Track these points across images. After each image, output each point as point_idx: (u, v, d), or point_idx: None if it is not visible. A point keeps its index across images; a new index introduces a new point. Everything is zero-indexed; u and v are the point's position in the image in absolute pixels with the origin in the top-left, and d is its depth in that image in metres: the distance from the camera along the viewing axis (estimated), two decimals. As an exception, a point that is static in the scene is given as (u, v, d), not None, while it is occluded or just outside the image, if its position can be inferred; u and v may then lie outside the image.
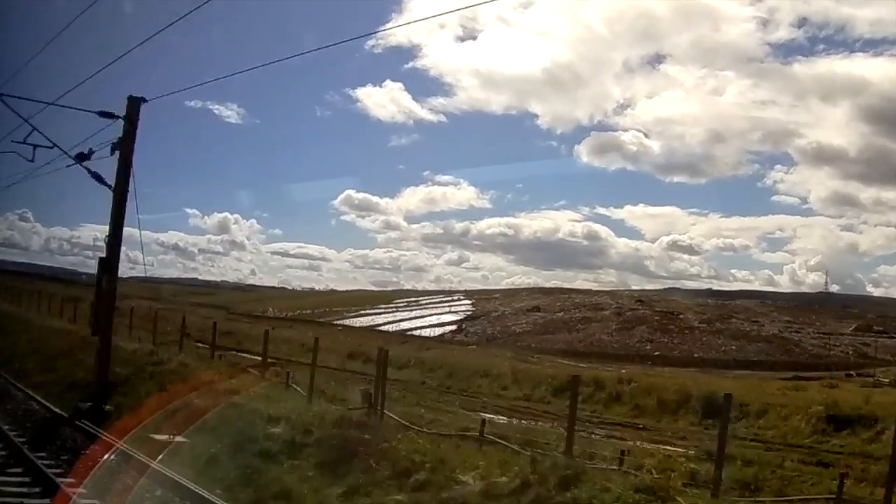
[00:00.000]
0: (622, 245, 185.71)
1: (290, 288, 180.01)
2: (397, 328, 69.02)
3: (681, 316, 74.29)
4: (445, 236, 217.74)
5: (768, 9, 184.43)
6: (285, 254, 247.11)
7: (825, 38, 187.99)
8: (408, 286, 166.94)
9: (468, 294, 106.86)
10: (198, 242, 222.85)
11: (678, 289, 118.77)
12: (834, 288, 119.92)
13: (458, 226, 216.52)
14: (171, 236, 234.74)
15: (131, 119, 14.69)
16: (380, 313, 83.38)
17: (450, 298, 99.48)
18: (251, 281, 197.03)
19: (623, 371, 36.84)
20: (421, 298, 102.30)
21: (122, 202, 14.85)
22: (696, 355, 60.74)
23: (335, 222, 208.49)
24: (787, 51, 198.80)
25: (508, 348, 53.58)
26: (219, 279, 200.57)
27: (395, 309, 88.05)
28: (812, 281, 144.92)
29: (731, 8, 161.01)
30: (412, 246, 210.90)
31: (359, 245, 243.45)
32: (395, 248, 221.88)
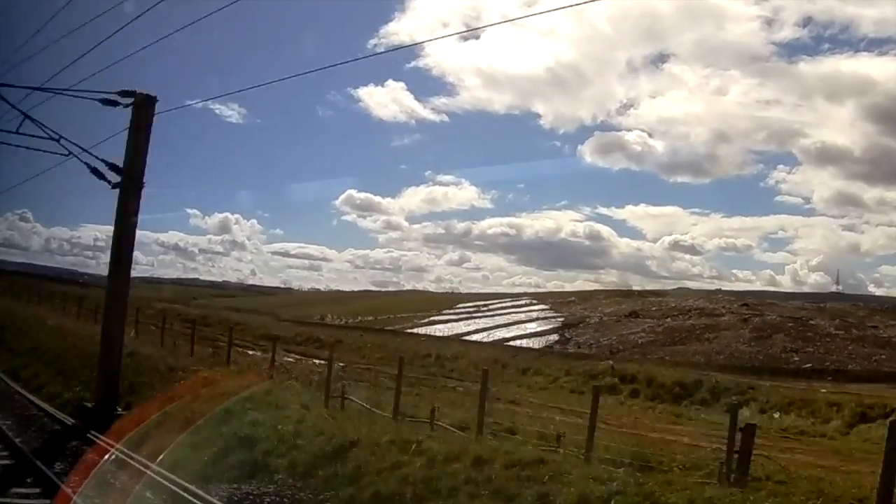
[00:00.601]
0: (624, 245, 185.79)
1: (295, 289, 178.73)
2: (489, 337, 59.47)
3: (811, 322, 64.41)
4: (447, 236, 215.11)
5: (773, 8, 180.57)
6: (286, 254, 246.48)
7: (830, 38, 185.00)
8: (408, 286, 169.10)
9: (538, 297, 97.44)
10: (198, 242, 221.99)
11: (688, 288, 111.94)
12: (835, 288, 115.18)
13: (460, 226, 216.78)
14: (172, 236, 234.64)
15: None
16: (455, 319, 73.80)
17: (519, 302, 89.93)
18: (251, 281, 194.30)
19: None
20: (489, 303, 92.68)
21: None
22: (849, 367, 51.30)
23: (336, 222, 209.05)
24: (791, 50, 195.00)
25: (647, 361, 44.41)
26: (219, 279, 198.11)
27: (468, 315, 78.44)
28: (814, 281, 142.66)
29: (735, 7, 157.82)
30: (413, 246, 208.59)
31: (360, 245, 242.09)
32: (395, 249, 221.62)
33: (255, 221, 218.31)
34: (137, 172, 14.66)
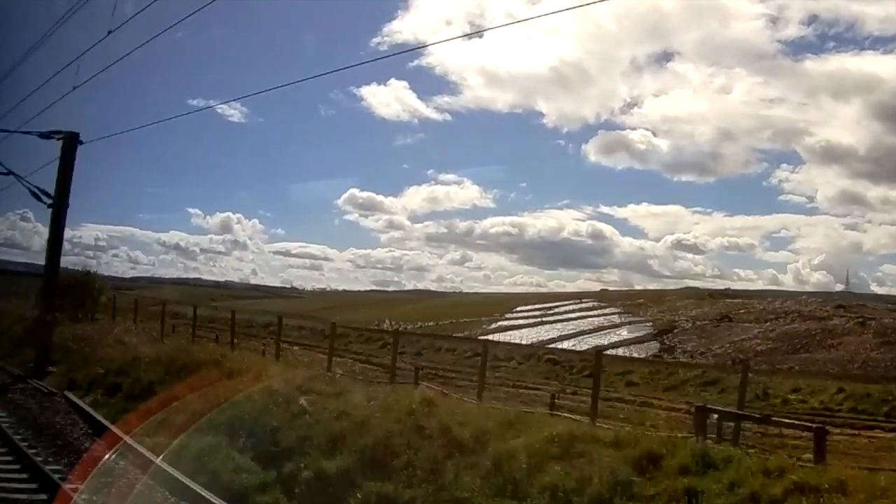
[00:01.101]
0: (626, 244, 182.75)
1: (301, 289, 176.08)
2: (581, 344, 53.55)
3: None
4: (449, 235, 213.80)
5: (778, 6, 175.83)
6: (287, 253, 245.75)
7: (835, 36, 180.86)
8: (409, 286, 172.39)
9: (594, 297, 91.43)
10: (199, 242, 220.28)
11: (696, 288, 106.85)
12: (838, 287, 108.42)
13: (462, 225, 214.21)
14: (173, 236, 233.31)
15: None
16: (528, 325, 67.89)
17: (586, 305, 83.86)
18: (253, 281, 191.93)
19: None
20: (549, 305, 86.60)
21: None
22: None
23: (338, 221, 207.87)
24: (796, 48, 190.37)
25: (779, 372, 38.44)
26: (220, 279, 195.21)
27: (537, 319, 72.54)
28: (816, 280, 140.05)
29: (739, 5, 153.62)
30: (415, 245, 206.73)
31: (361, 245, 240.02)
32: (397, 248, 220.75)
33: (256, 221, 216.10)
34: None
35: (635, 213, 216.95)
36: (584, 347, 51.23)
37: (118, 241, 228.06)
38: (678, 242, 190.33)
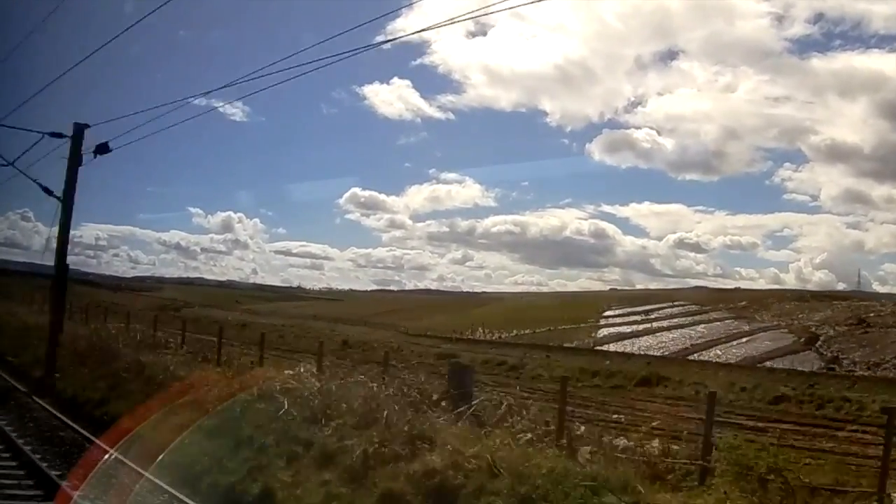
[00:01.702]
0: (629, 243, 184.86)
1: (309, 289, 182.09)
2: (725, 356, 48.24)
3: None
4: (451, 234, 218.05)
5: (784, 4, 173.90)
6: (288, 252, 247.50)
7: (841, 34, 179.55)
8: (409, 286, 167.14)
9: (687, 298, 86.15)
10: (200, 241, 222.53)
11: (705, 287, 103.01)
12: (841, 286, 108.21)
13: (464, 224, 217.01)
14: (173, 235, 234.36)
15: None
16: (639, 333, 62.52)
17: (686, 310, 78.52)
18: (253, 280, 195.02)
19: None
20: (639, 309, 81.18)
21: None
22: None
23: (339, 220, 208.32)
24: (802, 47, 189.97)
25: None
26: (221, 278, 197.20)
27: (645, 324, 67.19)
28: (818, 279, 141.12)
29: (745, 4, 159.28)
30: (417, 244, 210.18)
31: (363, 244, 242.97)
32: (398, 247, 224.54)
33: (257, 220, 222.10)
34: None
35: (637, 211, 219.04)
36: (733, 359, 45.91)
37: (119, 241, 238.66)
38: (680, 241, 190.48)
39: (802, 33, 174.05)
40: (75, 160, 18.37)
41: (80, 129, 18.44)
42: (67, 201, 18.54)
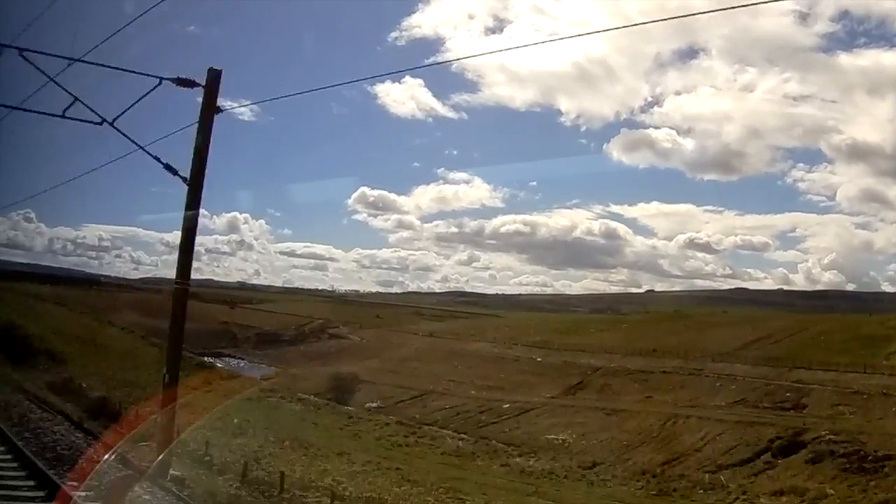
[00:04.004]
0: (639, 243, 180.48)
1: (333, 290, 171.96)
2: None
3: None
4: (459, 235, 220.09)
5: (808, 2, 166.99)
6: (292, 253, 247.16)
7: (865, 32, 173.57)
8: (413, 287, 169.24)
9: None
10: (204, 242, 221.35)
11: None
12: (850, 286, 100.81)
13: (472, 224, 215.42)
14: (177, 236, 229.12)
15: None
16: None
17: None
18: (255, 281, 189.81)
19: None
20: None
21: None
22: None
23: (346, 221, 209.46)
24: (826, 45, 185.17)
25: None
26: (223, 279, 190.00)
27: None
28: (827, 279, 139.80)
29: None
30: (424, 245, 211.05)
31: (369, 245, 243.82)
32: (403, 248, 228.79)
33: (263, 221, 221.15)
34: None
35: (645, 212, 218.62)
36: None
37: (121, 242, 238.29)
38: (691, 241, 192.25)
39: (826, 31, 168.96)
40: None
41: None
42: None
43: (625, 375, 57.39)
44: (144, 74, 13.03)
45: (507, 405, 51.31)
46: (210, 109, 13.47)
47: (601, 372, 58.13)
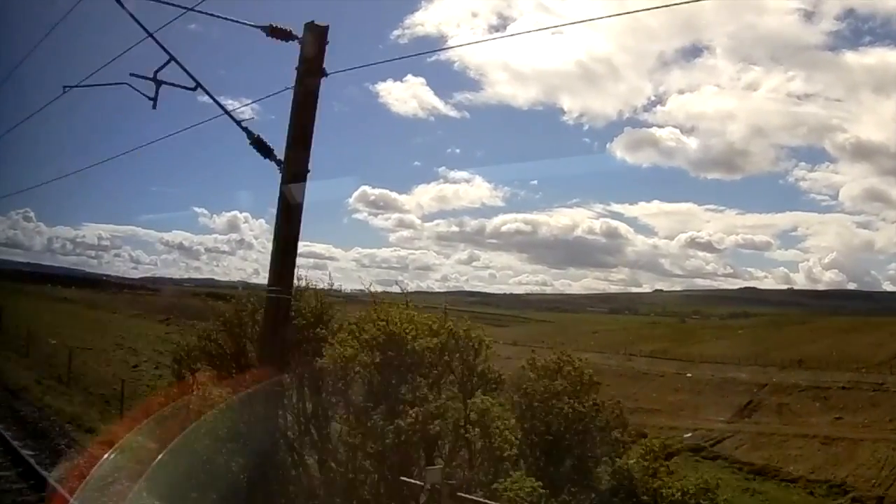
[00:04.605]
0: (640, 242, 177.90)
1: (340, 291, 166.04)
2: None
3: None
4: (460, 234, 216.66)
5: (813, 1, 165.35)
6: None
7: (870, 30, 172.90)
8: (412, 286, 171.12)
9: None
10: (204, 241, 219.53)
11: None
12: (851, 285, 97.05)
13: (473, 223, 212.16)
14: (176, 236, 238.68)
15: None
16: None
17: None
18: (255, 280, 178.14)
19: None
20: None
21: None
22: None
23: (347, 220, 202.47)
24: (832, 43, 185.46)
25: None
26: (222, 278, 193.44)
27: None
28: (829, 279, 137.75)
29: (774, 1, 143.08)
30: (424, 244, 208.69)
31: (368, 244, 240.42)
32: (403, 248, 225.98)
33: (263, 221, 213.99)
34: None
35: (646, 211, 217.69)
36: None
37: (121, 241, 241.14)
38: (692, 240, 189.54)
39: (831, 29, 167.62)
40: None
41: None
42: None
43: (797, 393, 49.67)
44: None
45: (689, 434, 42.90)
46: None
47: (769, 389, 50.32)
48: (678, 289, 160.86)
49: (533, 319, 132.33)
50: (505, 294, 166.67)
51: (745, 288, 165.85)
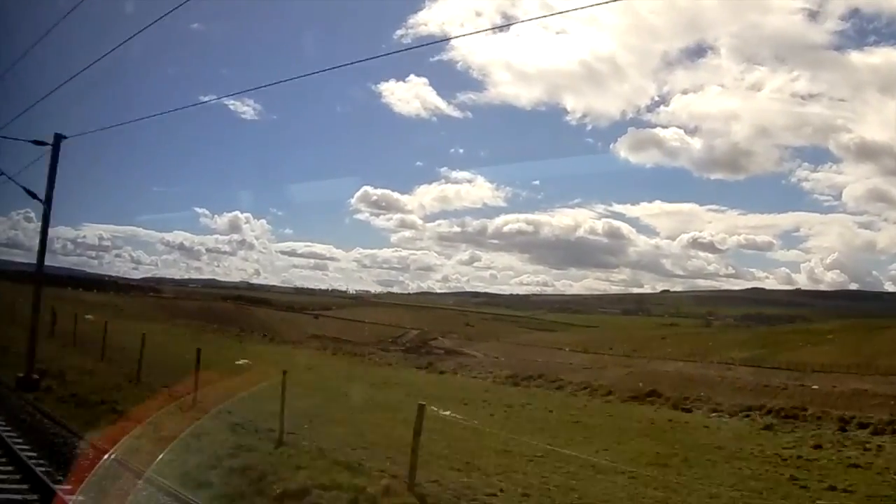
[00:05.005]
0: (642, 242, 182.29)
1: (345, 292, 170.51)
2: None
3: None
4: (462, 235, 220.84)
5: (817, 0, 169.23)
6: (293, 253, 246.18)
7: (875, 30, 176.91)
8: (413, 287, 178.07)
9: None
10: (205, 242, 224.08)
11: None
12: (853, 286, 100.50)
13: (475, 223, 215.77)
14: (177, 236, 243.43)
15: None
16: None
17: None
18: (256, 280, 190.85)
19: None
20: None
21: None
22: None
23: (348, 221, 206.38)
24: (837, 43, 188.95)
25: None
26: (222, 279, 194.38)
27: None
28: (830, 279, 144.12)
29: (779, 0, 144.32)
30: (426, 245, 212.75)
31: (369, 244, 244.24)
32: (405, 248, 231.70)
33: (264, 221, 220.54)
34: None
35: (648, 211, 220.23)
36: None
37: (122, 241, 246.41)
38: (694, 241, 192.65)
39: (836, 29, 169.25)
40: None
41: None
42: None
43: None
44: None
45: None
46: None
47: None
48: (680, 289, 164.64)
49: (571, 324, 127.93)
50: (511, 295, 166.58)
51: (752, 288, 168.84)
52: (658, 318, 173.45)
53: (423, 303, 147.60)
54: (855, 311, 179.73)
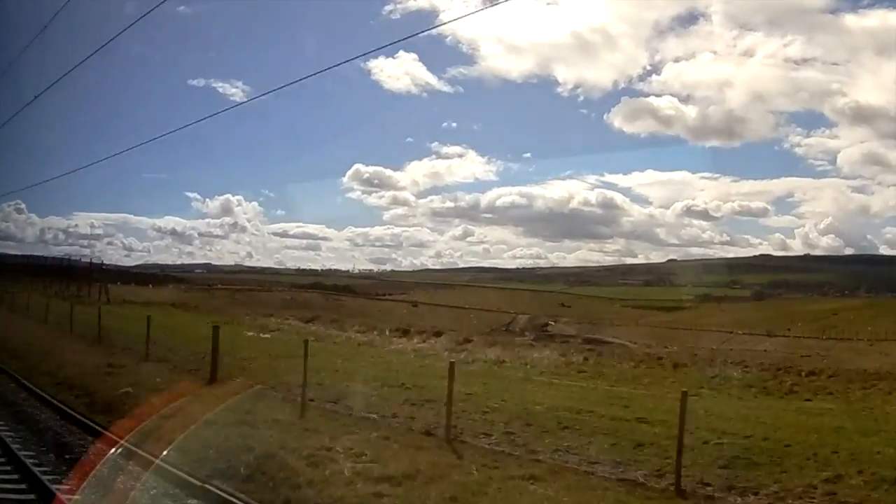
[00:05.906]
0: (636, 212, 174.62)
1: (350, 271, 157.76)
2: None
3: None
4: (455, 210, 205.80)
5: None
6: (285, 234, 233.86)
7: None
8: (406, 264, 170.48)
9: None
10: (197, 226, 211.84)
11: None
12: (848, 251, 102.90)
13: (467, 198, 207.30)
14: (168, 221, 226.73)
15: None
16: None
17: None
18: (249, 263, 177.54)
19: None
20: None
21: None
22: None
23: (340, 200, 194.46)
24: (832, 6, 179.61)
25: None
26: (216, 262, 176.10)
27: None
28: (826, 244, 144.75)
29: None
30: (419, 221, 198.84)
31: (362, 223, 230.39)
32: (397, 225, 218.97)
33: (256, 203, 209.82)
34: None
35: (640, 180, 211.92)
36: None
37: (113, 229, 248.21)
38: (687, 209, 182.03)
39: None
40: None
41: None
42: None
43: None
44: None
45: None
46: None
47: None
48: (675, 257, 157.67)
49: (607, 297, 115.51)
50: (520, 269, 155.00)
51: (761, 255, 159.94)
52: (687, 289, 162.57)
53: (479, 282, 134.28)
54: (876, 275, 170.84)
